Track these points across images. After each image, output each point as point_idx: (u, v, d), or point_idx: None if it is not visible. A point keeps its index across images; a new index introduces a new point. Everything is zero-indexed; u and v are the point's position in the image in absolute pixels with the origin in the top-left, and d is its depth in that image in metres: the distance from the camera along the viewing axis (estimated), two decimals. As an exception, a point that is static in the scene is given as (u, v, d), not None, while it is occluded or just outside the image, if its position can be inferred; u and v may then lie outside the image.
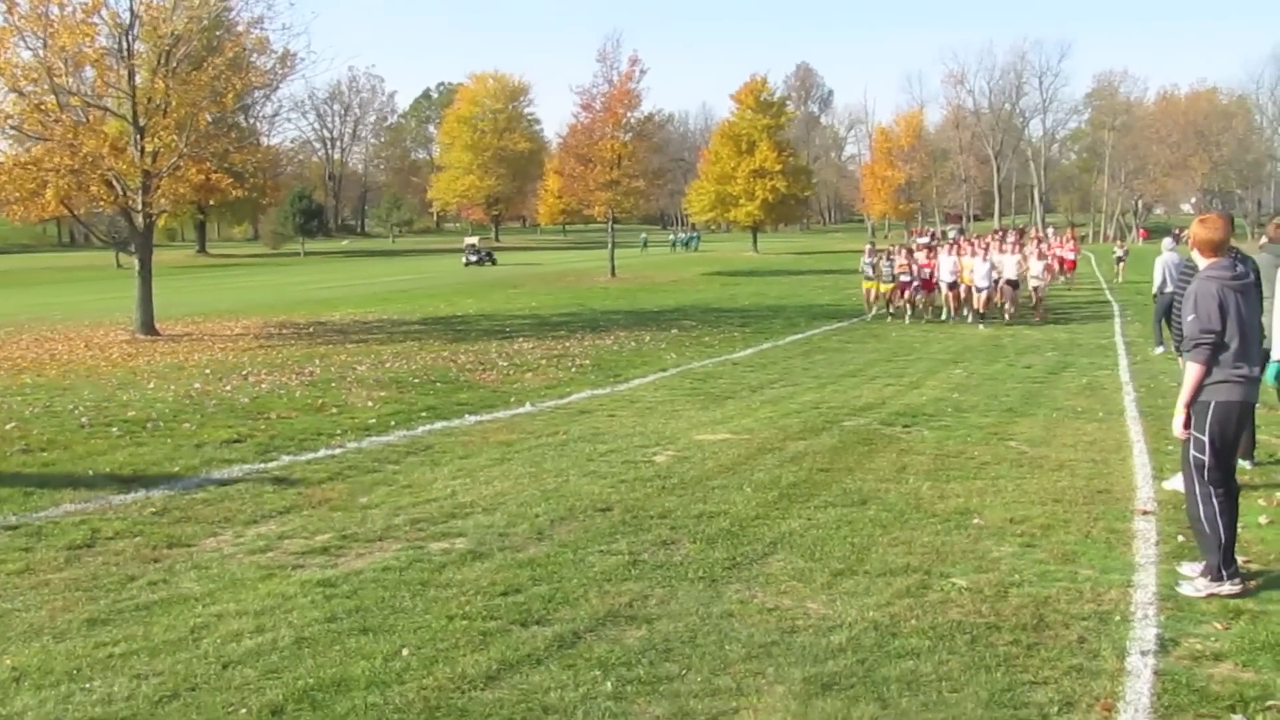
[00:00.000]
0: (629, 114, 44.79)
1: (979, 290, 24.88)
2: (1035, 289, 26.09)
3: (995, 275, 25.09)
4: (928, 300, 26.36)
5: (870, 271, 26.74)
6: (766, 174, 73.63)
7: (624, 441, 10.63)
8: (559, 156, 58.20)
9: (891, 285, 26.13)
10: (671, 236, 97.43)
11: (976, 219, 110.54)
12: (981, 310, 24.99)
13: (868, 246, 28.29)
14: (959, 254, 26.89)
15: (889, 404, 12.95)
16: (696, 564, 6.47)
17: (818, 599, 5.85)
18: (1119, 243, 44.06)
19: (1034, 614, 5.63)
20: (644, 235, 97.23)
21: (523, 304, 31.19)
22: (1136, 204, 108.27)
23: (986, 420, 11.65)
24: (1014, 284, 25.18)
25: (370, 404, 12.88)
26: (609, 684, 4.74)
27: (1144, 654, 5.12)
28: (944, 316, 25.78)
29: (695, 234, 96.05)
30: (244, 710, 4.50)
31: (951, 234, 58.84)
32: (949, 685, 4.75)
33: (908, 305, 26.11)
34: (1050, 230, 55.16)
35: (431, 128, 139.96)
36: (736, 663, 4.98)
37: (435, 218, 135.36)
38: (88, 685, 4.79)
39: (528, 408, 12.83)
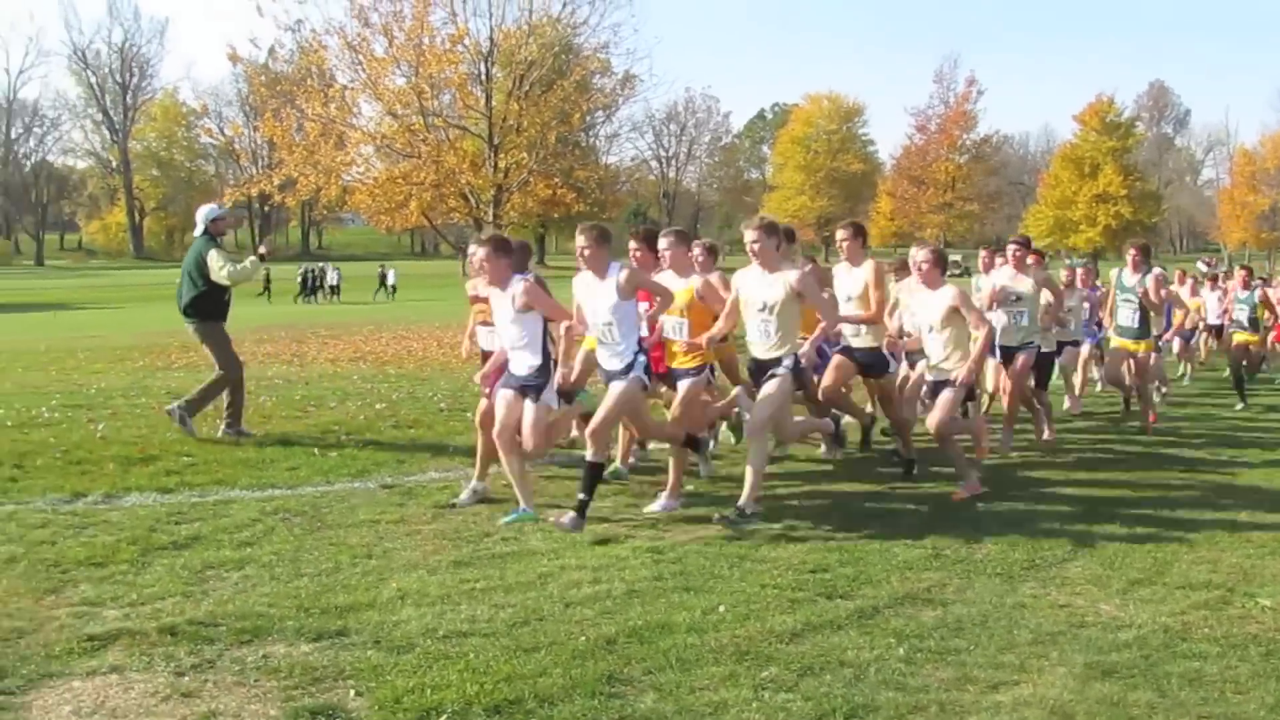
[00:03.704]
0: (965, 136, 44.56)
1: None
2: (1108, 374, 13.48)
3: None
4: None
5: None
6: (1110, 199, 70.90)
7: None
8: (891, 178, 58.16)
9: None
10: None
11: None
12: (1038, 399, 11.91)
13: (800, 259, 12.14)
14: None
15: (1219, 431, 12.60)
16: (996, 562, 6.81)
17: (1110, 602, 6.08)
18: None
19: (1342, 638, 5.60)
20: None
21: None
22: None
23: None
24: (1047, 362, 12.29)
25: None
26: (901, 649, 5.22)
27: None
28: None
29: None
30: (583, 638, 5.29)
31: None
32: (1233, 687, 4.88)
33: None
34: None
35: (765, 148, 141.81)
36: (1023, 645, 5.33)
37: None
38: (456, 608, 5.77)
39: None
